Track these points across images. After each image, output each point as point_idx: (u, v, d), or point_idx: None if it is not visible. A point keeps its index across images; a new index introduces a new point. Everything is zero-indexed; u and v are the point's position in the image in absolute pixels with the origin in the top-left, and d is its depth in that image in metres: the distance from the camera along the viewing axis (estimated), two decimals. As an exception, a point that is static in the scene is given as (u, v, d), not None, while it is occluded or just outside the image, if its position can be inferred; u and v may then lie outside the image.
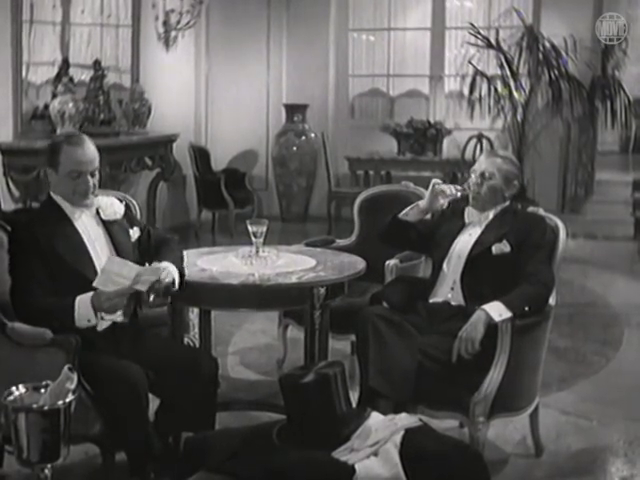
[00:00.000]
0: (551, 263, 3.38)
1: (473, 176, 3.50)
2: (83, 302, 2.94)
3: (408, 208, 3.58)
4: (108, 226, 3.19)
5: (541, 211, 3.58)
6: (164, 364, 3.00)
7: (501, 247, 3.35)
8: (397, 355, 3.11)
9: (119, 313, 3.07)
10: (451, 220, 3.59)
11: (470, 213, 3.53)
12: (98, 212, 3.19)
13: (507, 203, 3.50)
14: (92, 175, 3.10)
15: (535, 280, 3.25)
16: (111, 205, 3.24)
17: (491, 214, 3.48)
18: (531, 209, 3.63)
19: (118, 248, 3.16)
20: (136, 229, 3.29)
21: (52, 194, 3.16)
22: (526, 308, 3.17)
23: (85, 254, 3.09)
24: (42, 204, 3.25)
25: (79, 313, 2.92)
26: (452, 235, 3.52)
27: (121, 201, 3.33)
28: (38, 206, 3.33)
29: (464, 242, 3.46)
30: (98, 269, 3.03)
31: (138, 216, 3.54)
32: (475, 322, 3.13)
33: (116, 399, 2.81)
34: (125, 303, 2.98)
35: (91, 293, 2.94)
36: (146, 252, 3.28)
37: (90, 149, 3.12)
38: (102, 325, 3.07)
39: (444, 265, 3.47)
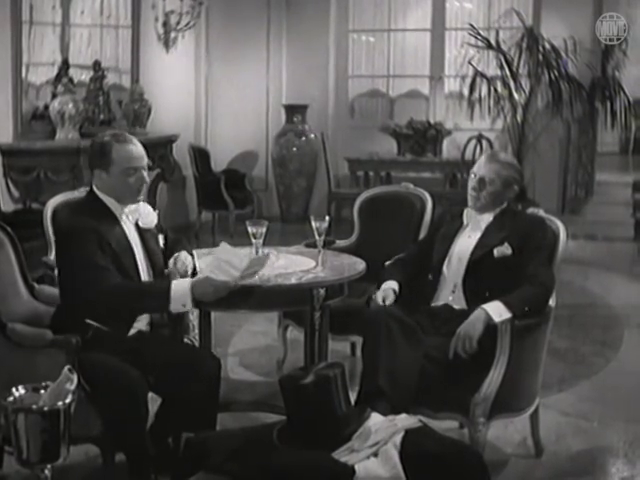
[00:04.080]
0: (551, 264, 3.38)
1: (472, 179, 3.49)
2: (180, 286, 2.93)
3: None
4: (143, 233, 3.20)
5: (541, 212, 3.57)
6: (168, 363, 3.00)
7: (503, 250, 3.34)
8: (404, 356, 3.09)
9: (145, 322, 3.16)
10: (449, 222, 3.58)
11: (469, 214, 3.52)
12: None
13: (505, 205, 3.50)
14: (144, 170, 3.12)
15: (536, 281, 3.24)
16: (148, 213, 3.23)
17: (491, 216, 3.47)
18: (531, 210, 3.62)
19: (151, 255, 3.18)
20: (162, 236, 3.30)
21: (99, 194, 3.13)
22: (526, 309, 3.16)
23: (132, 257, 3.11)
24: (87, 202, 3.18)
25: (175, 297, 2.91)
26: (450, 237, 3.51)
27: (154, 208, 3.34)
28: (82, 203, 3.23)
29: (464, 245, 3.45)
30: (141, 272, 3.11)
31: None
32: (474, 320, 3.12)
33: (115, 403, 2.82)
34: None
35: (188, 279, 2.96)
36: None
37: (138, 144, 3.14)
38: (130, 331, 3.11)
39: (444, 268, 3.46)
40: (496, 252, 3.34)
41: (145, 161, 3.13)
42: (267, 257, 3.14)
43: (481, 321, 3.11)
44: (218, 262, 2.96)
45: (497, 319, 3.09)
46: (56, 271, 3.66)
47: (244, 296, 3.11)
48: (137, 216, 3.19)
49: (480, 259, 3.36)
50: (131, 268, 3.09)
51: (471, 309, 3.25)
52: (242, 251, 3.09)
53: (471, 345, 3.09)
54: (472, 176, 3.50)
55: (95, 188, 3.16)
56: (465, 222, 3.51)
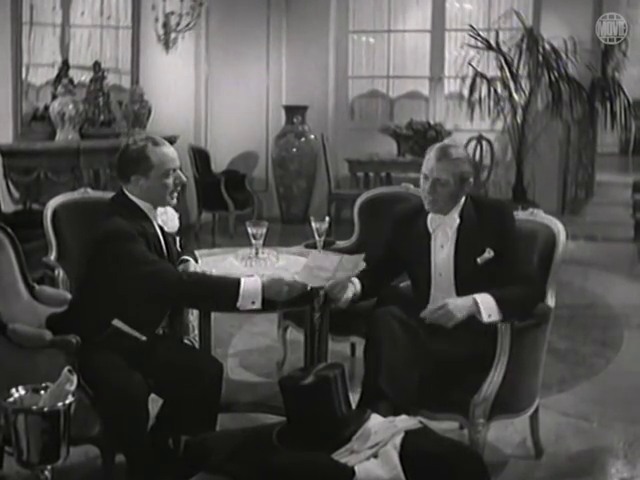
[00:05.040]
0: (549, 266, 3.35)
1: (425, 182, 3.30)
2: (252, 284, 2.90)
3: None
4: (166, 236, 3.19)
5: (541, 213, 3.54)
6: (171, 365, 3.00)
7: (485, 256, 3.26)
8: (407, 358, 3.07)
9: (162, 326, 3.17)
10: (412, 232, 3.41)
11: (433, 222, 3.37)
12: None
13: (464, 199, 3.36)
14: (179, 169, 3.13)
15: (530, 282, 3.21)
16: (173, 217, 3.23)
17: (455, 217, 3.33)
18: (530, 210, 3.59)
19: (171, 259, 3.17)
20: (177, 238, 3.30)
21: (133, 198, 3.08)
22: (516, 312, 3.12)
23: (164, 257, 3.11)
24: (121, 205, 3.09)
25: (245, 294, 2.88)
26: (424, 251, 3.36)
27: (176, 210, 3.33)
28: (117, 207, 3.11)
29: (440, 258, 3.34)
30: None
31: None
32: (464, 306, 3.09)
33: (115, 404, 2.82)
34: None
35: (258, 278, 2.94)
36: None
37: (170, 145, 3.13)
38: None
39: (429, 286, 3.36)
40: (479, 260, 3.26)
41: (179, 161, 3.13)
42: (359, 260, 3.10)
43: (468, 310, 3.09)
44: (309, 270, 2.93)
45: (486, 319, 3.07)
46: (57, 272, 3.68)
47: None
48: (165, 219, 3.19)
49: (467, 274, 3.28)
50: None
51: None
52: (332, 254, 3.08)
53: (447, 323, 3.08)
54: (423, 178, 3.31)
55: (128, 193, 3.10)
56: (431, 229, 3.37)
